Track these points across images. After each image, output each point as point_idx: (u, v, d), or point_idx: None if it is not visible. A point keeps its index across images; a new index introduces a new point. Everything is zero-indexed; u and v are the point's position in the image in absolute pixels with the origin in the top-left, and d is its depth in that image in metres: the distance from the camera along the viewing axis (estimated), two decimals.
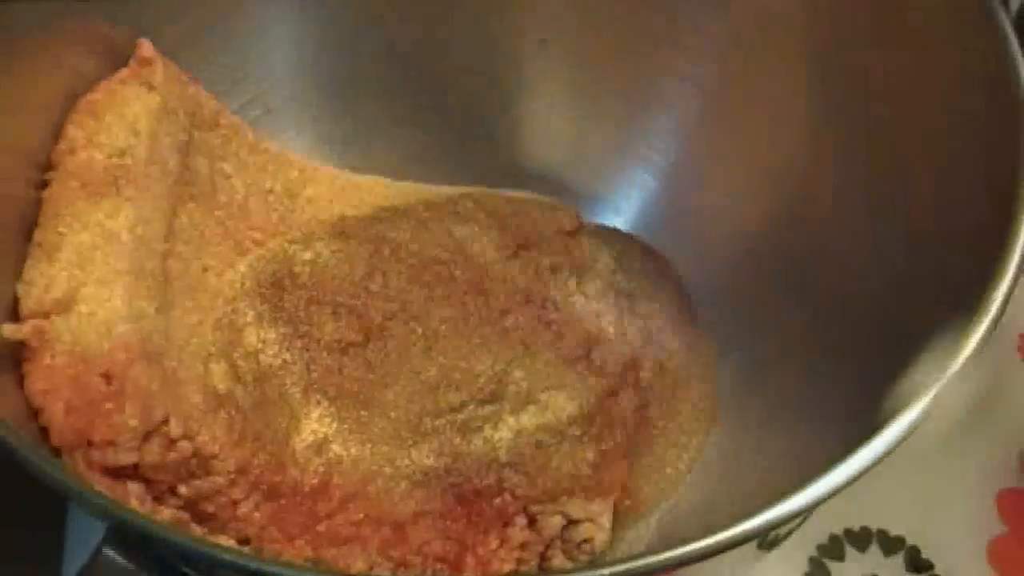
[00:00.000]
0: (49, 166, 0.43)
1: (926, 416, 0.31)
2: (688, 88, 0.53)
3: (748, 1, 0.49)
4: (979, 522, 0.53)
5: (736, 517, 0.32)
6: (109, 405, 0.36)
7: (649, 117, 0.55)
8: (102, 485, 0.35)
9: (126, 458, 0.36)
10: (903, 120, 0.43)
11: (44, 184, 0.42)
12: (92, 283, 0.38)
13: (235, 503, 0.40)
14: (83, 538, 0.50)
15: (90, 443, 0.35)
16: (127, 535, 0.31)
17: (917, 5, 0.43)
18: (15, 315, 0.38)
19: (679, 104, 0.54)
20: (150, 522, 0.30)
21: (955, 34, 0.42)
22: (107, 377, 0.36)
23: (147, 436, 0.37)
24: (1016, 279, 0.34)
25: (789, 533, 0.43)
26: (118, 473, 0.36)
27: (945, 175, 0.41)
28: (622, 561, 0.30)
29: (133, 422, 0.36)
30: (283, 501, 0.41)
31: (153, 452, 0.37)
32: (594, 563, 0.44)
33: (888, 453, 0.32)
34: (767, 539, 0.39)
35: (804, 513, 0.32)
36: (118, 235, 0.40)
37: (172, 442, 0.37)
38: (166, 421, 0.37)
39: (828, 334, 0.46)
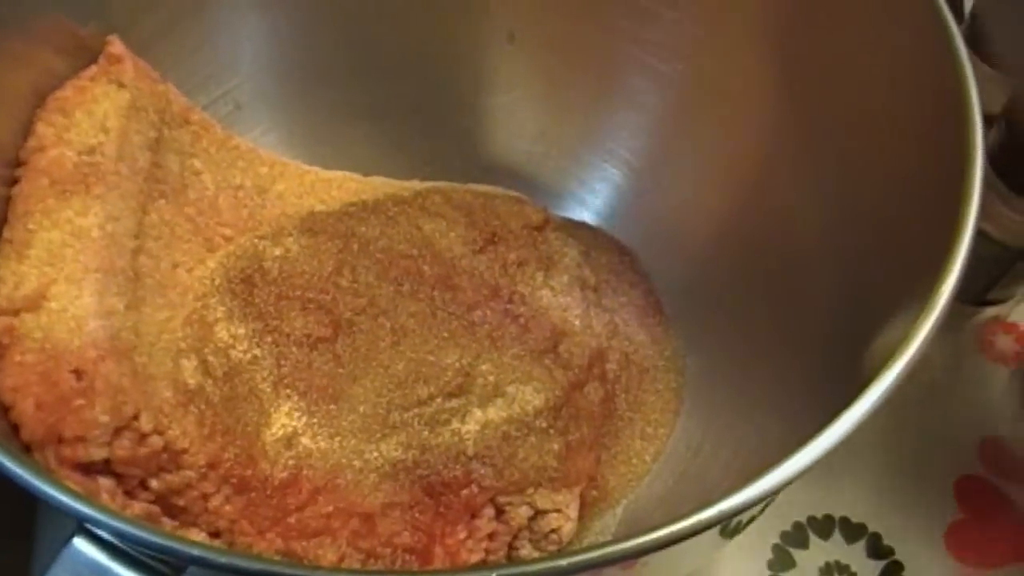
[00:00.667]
0: (18, 163, 0.43)
1: (880, 404, 0.32)
2: (654, 84, 0.54)
3: None
4: (938, 508, 0.55)
5: (698, 505, 0.32)
6: (80, 401, 0.36)
7: (616, 112, 0.55)
8: (73, 480, 0.36)
9: (97, 453, 0.36)
10: (860, 115, 0.44)
11: (13, 181, 0.42)
12: (62, 280, 0.39)
13: (206, 497, 0.40)
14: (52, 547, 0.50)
15: (61, 439, 0.36)
16: (97, 531, 0.32)
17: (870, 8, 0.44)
18: None
19: (645, 99, 0.54)
20: (120, 518, 0.31)
21: (906, 30, 0.43)
22: (78, 373, 0.37)
23: (118, 431, 0.37)
24: (963, 268, 0.35)
25: (751, 520, 0.43)
26: (89, 468, 0.37)
27: (899, 167, 0.42)
28: (588, 550, 0.30)
29: (104, 418, 0.36)
30: (253, 494, 0.41)
31: (124, 447, 0.37)
32: (560, 552, 0.45)
33: (842, 441, 0.32)
34: (729, 526, 0.40)
35: (765, 499, 0.32)
36: (88, 232, 0.40)
37: (143, 437, 0.38)
38: (137, 416, 0.38)
39: (790, 326, 0.47)
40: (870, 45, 0.43)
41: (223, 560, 0.28)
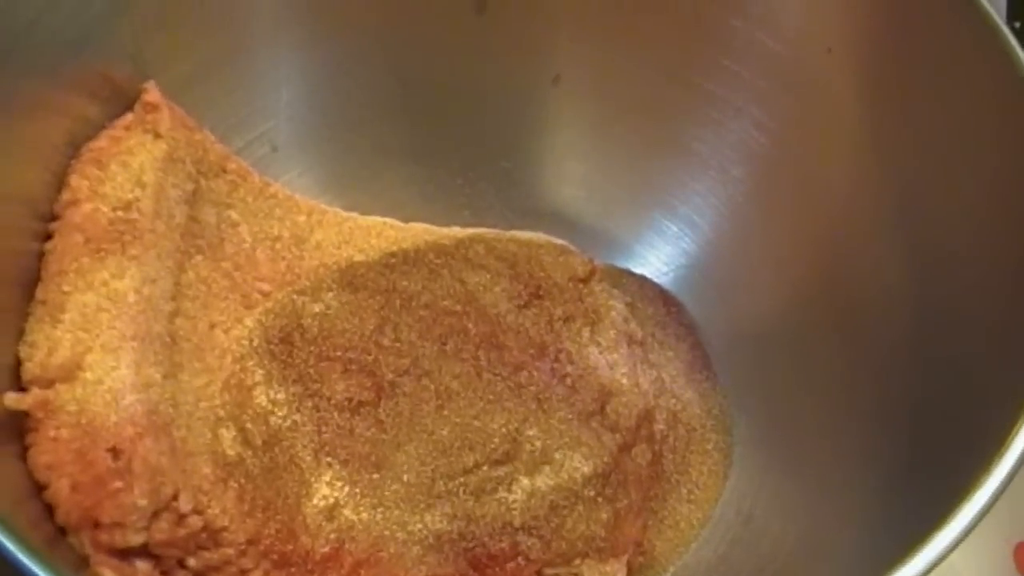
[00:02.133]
0: (52, 217, 0.41)
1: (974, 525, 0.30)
2: (711, 135, 0.52)
3: (770, 53, 0.48)
4: (997, 574, 0.53)
5: None
6: (117, 484, 0.35)
7: (667, 160, 0.54)
8: (109, 566, 0.34)
9: (135, 539, 0.35)
10: (933, 176, 0.43)
11: (47, 236, 0.41)
12: (98, 348, 0.37)
13: (244, 573, 0.39)
14: None
15: (97, 524, 0.34)
16: None
17: (942, 62, 0.42)
18: (16, 375, 0.37)
19: (701, 150, 0.53)
20: None
21: (979, 88, 0.41)
22: (115, 452, 0.35)
23: (156, 514, 0.36)
24: None
25: None
26: (126, 553, 0.35)
27: (981, 223, 0.40)
28: None
29: (142, 502, 0.35)
30: (294, 570, 0.40)
31: (162, 530, 0.36)
32: None
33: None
34: None
35: None
36: (124, 296, 0.39)
37: (182, 518, 0.36)
38: (175, 496, 0.36)
39: (850, 393, 0.46)
40: (946, 105, 0.42)
41: None
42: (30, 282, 0.40)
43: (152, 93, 0.45)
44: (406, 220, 0.53)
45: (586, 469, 0.44)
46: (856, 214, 0.47)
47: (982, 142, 0.41)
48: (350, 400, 0.43)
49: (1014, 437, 0.32)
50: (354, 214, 0.51)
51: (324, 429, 0.43)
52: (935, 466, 0.35)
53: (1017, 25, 0.60)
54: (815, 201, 0.49)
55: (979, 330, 0.38)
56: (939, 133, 0.42)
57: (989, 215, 0.40)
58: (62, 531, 0.35)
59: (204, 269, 0.44)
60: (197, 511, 0.37)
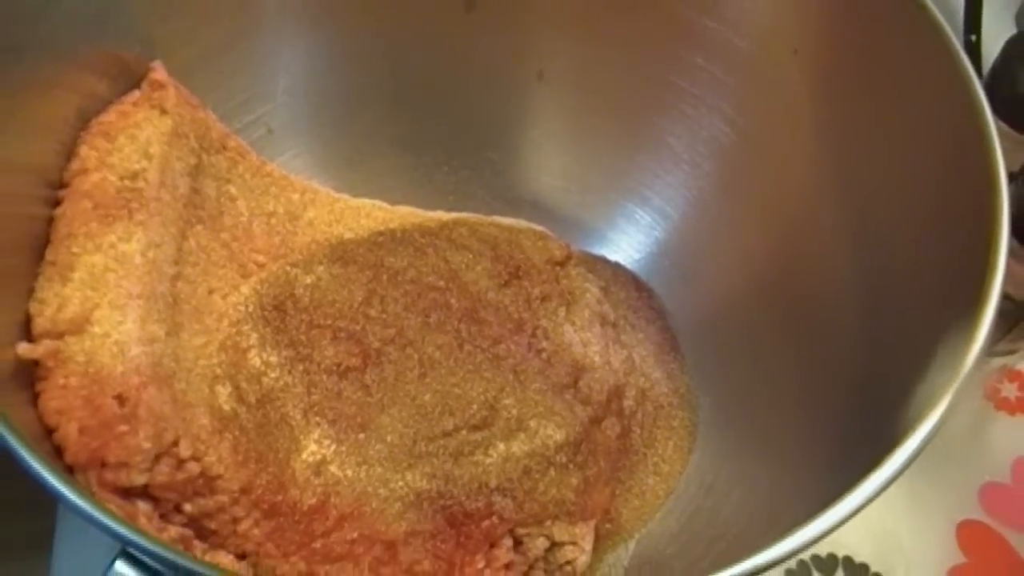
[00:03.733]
0: (61, 185, 0.44)
1: (909, 463, 0.33)
2: (683, 130, 0.55)
3: (740, 53, 0.51)
4: (940, 552, 0.56)
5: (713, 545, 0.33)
6: (123, 427, 0.37)
7: (642, 153, 0.57)
8: (113, 503, 0.37)
9: (138, 479, 0.37)
10: (890, 173, 0.46)
11: (56, 203, 0.43)
12: (105, 305, 0.40)
13: (236, 520, 0.41)
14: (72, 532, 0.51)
15: (104, 464, 0.37)
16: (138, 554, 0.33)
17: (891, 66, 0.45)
18: (27, 333, 0.39)
19: (674, 143, 0.55)
20: (160, 544, 0.32)
21: (931, 95, 0.44)
22: (121, 399, 0.38)
23: (158, 457, 0.38)
24: (991, 327, 0.36)
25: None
26: (128, 492, 0.38)
27: (926, 224, 0.43)
28: None
29: (147, 444, 0.37)
30: (282, 519, 0.42)
31: (163, 472, 0.38)
32: None
33: (870, 499, 0.33)
34: None
35: (788, 557, 0.33)
36: (131, 258, 0.41)
37: (181, 463, 0.39)
38: (176, 443, 0.39)
39: (808, 372, 0.48)
40: (898, 107, 0.45)
41: None
42: (40, 247, 0.42)
43: (159, 72, 0.47)
44: (394, 204, 0.56)
45: (559, 437, 0.47)
46: (814, 206, 0.50)
47: (932, 139, 0.44)
48: (338, 365, 0.46)
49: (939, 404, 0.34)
50: (345, 195, 0.54)
51: (313, 391, 0.45)
52: (877, 441, 0.37)
53: (973, 38, 0.63)
54: (778, 194, 0.52)
55: (917, 313, 0.41)
56: (893, 131, 0.45)
57: (934, 207, 0.43)
58: (70, 471, 0.37)
59: (204, 238, 0.46)
60: (195, 458, 0.39)
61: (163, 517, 0.39)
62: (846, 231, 0.48)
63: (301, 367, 0.46)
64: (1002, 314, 0.54)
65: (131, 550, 0.33)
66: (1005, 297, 0.53)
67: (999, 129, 0.54)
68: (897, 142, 0.45)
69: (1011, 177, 0.51)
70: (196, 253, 0.46)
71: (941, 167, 0.43)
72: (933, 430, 0.34)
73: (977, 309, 0.36)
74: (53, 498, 0.32)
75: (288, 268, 0.49)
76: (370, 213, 0.54)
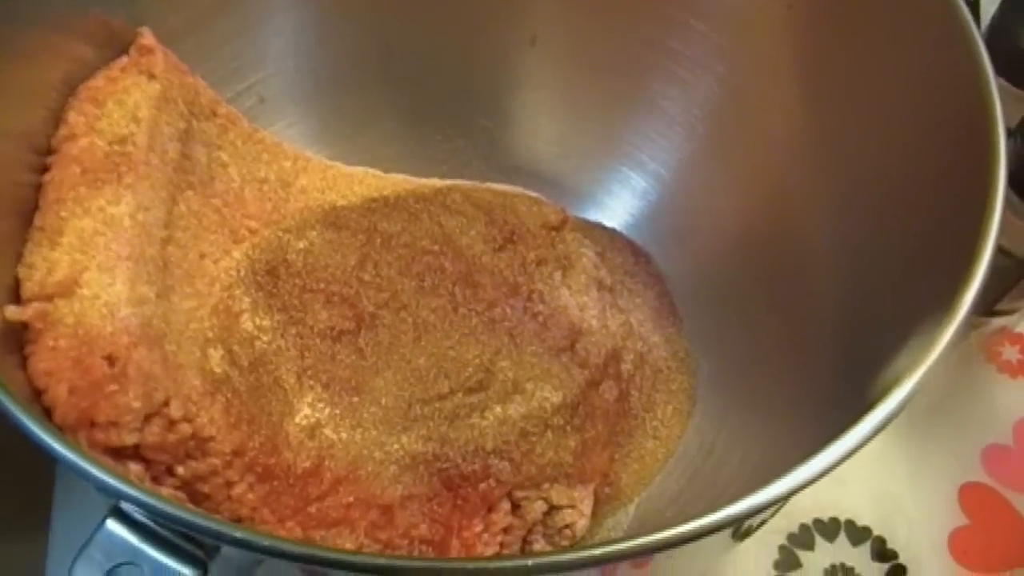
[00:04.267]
0: (49, 151, 0.43)
1: (892, 417, 0.33)
2: (678, 92, 0.54)
3: (734, 11, 0.51)
4: (942, 514, 0.56)
5: (712, 506, 0.33)
6: (113, 387, 0.37)
7: (637, 118, 0.56)
8: (104, 464, 0.36)
9: (128, 439, 0.37)
10: (882, 129, 0.45)
11: (44, 169, 0.43)
12: (94, 268, 0.39)
13: (230, 484, 0.41)
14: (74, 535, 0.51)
15: (93, 423, 0.36)
16: (131, 512, 0.32)
17: (888, 18, 0.45)
18: (17, 298, 0.39)
19: (668, 106, 0.55)
20: (153, 496, 0.31)
21: (925, 44, 0.44)
22: (110, 360, 0.37)
23: (148, 417, 0.38)
24: (984, 281, 0.35)
25: (763, 523, 0.44)
26: (119, 453, 0.37)
27: (919, 180, 0.43)
28: (600, 545, 0.31)
29: (136, 404, 0.37)
30: (276, 483, 0.42)
31: (154, 433, 0.38)
32: (572, 547, 0.46)
33: (853, 451, 0.33)
34: (740, 529, 0.41)
35: (776, 503, 0.33)
36: (120, 221, 0.41)
37: (172, 424, 0.38)
38: (167, 403, 0.38)
39: (803, 332, 0.48)
40: (894, 61, 0.44)
41: (266, 543, 0.28)
42: (28, 212, 0.41)
43: (147, 36, 0.47)
44: (388, 173, 0.56)
45: (555, 399, 0.46)
46: (806, 164, 0.49)
47: (930, 92, 0.43)
48: (332, 329, 0.46)
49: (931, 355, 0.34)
50: (338, 163, 0.54)
51: (307, 355, 0.45)
52: (867, 396, 0.37)
53: None
54: (770, 153, 0.51)
55: (909, 265, 0.41)
56: (888, 84, 0.45)
57: (931, 161, 0.42)
58: (60, 432, 0.37)
59: (195, 203, 0.46)
60: (187, 419, 0.39)
61: (155, 480, 0.39)
62: (834, 190, 0.47)
63: (294, 331, 0.45)
64: (1000, 272, 0.53)
65: (124, 505, 0.33)
66: (1003, 252, 0.52)
67: (998, 85, 0.54)
68: (893, 95, 0.45)
69: (1009, 133, 0.50)
70: (186, 218, 0.45)
71: (939, 121, 0.43)
72: (920, 381, 0.33)
73: (972, 259, 0.36)
74: (49, 463, 0.32)
75: (281, 233, 0.48)
76: (363, 180, 0.53)
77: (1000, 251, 0.52)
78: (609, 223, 0.58)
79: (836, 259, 0.47)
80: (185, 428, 0.39)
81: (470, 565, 0.31)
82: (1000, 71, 0.54)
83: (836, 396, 0.43)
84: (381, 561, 0.31)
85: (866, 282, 0.44)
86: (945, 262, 0.37)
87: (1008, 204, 0.50)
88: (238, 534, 0.28)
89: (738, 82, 0.52)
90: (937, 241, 0.40)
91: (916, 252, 0.41)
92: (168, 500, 0.31)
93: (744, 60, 0.51)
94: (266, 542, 0.28)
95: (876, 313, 0.42)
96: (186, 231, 0.45)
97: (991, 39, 0.54)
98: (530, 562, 0.31)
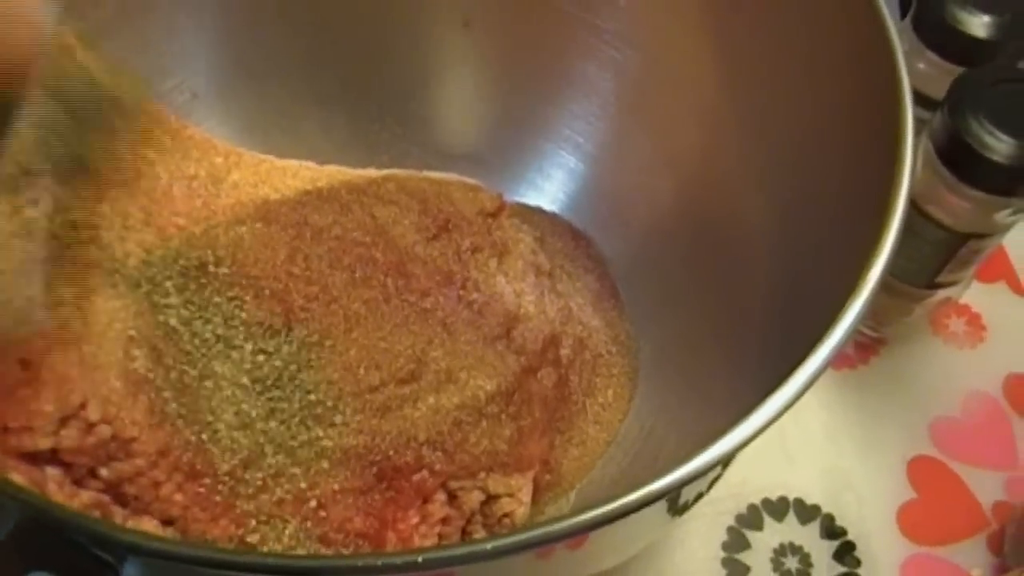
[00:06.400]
0: None
1: (806, 386, 0.33)
2: (607, 71, 0.54)
3: None
4: (891, 489, 0.56)
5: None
6: (25, 391, 0.36)
7: (570, 98, 0.56)
8: (19, 470, 0.36)
9: (43, 443, 0.37)
10: (798, 100, 0.45)
11: None
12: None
13: (157, 484, 0.41)
14: None
15: (6, 429, 0.36)
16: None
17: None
18: None
19: (599, 86, 0.55)
20: (63, 510, 0.31)
21: (838, 20, 0.43)
22: (24, 363, 0.37)
23: (64, 421, 0.37)
24: (892, 251, 0.35)
25: (699, 497, 0.44)
26: (36, 458, 0.37)
27: (836, 150, 0.43)
28: (532, 528, 0.31)
29: (48, 407, 0.36)
30: (205, 481, 0.42)
31: (71, 436, 0.37)
32: (504, 533, 0.45)
33: (779, 413, 0.33)
34: (677, 503, 0.41)
35: (706, 472, 0.33)
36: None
37: (90, 426, 0.38)
38: (84, 406, 0.38)
39: (736, 308, 0.48)
40: (808, 36, 0.44)
41: (174, 550, 0.28)
42: None
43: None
44: (324, 165, 0.55)
45: (489, 387, 0.46)
46: (730, 135, 0.49)
47: (835, 53, 0.43)
48: (261, 324, 0.45)
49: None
50: (271, 157, 0.53)
51: (234, 351, 0.44)
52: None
53: None
54: (696, 126, 0.52)
55: (827, 235, 0.41)
56: (798, 60, 0.45)
57: (840, 126, 0.42)
58: None
59: (120, 203, 0.45)
60: (105, 420, 0.39)
61: (77, 483, 0.39)
62: (756, 162, 0.47)
63: (222, 327, 0.45)
64: (937, 244, 0.53)
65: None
66: (942, 227, 0.52)
67: (927, 58, 0.54)
68: (808, 68, 0.45)
69: (937, 105, 0.50)
70: (111, 218, 0.45)
71: (847, 84, 0.43)
72: (835, 347, 0.33)
73: (882, 224, 0.35)
74: None
75: (209, 229, 0.48)
76: (297, 173, 0.53)
77: (937, 224, 0.52)
78: (549, 207, 0.58)
79: (765, 230, 0.47)
80: (104, 430, 0.39)
81: (378, 561, 0.31)
82: (929, 44, 0.54)
83: (768, 369, 0.43)
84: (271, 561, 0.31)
85: (793, 250, 0.45)
86: (862, 226, 0.37)
87: (942, 179, 0.51)
88: (154, 544, 0.28)
89: (660, 57, 0.52)
90: (854, 205, 0.40)
91: (836, 216, 0.41)
92: (65, 508, 0.30)
93: (664, 36, 0.51)
94: (174, 549, 0.28)
95: (803, 281, 0.42)
96: (110, 231, 0.44)
97: (921, 14, 0.54)
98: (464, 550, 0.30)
